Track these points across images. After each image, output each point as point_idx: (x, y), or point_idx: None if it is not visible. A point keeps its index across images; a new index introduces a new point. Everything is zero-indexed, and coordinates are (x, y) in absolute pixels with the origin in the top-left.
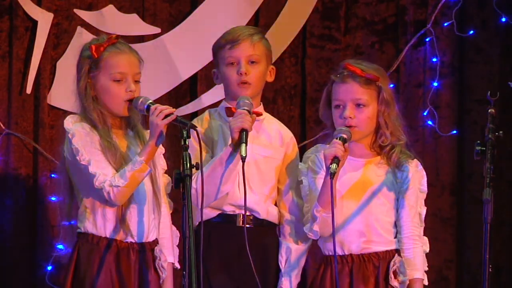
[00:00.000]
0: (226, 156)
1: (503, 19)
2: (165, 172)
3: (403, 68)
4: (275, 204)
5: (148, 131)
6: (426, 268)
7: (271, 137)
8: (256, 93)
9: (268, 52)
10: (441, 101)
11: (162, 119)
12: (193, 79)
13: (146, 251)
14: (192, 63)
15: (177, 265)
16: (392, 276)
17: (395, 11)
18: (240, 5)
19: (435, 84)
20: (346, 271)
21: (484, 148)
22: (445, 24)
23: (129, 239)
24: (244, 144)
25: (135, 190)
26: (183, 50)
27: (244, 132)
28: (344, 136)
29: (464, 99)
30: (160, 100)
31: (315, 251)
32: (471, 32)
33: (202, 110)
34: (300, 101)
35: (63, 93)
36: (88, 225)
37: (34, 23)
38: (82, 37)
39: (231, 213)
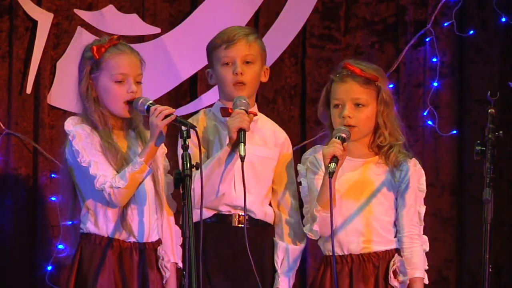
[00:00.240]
0: (225, 156)
1: (503, 19)
2: (168, 172)
3: (403, 68)
4: (270, 205)
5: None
6: (426, 267)
7: (266, 137)
8: (251, 93)
9: (263, 52)
10: (441, 101)
11: (162, 120)
12: (193, 79)
13: (149, 251)
14: (192, 63)
15: (181, 265)
16: (392, 275)
17: (395, 11)
18: (240, 5)
19: (435, 84)
20: (346, 271)
21: (484, 148)
22: (445, 24)
23: (131, 239)
24: (242, 144)
25: (136, 191)
26: (183, 50)
27: (242, 132)
28: (343, 135)
29: (464, 99)
30: (160, 100)
31: (315, 251)
32: (471, 32)
33: None
34: (300, 101)
35: (63, 93)
36: (91, 226)
37: (34, 23)
38: (82, 37)
39: (227, 213)
